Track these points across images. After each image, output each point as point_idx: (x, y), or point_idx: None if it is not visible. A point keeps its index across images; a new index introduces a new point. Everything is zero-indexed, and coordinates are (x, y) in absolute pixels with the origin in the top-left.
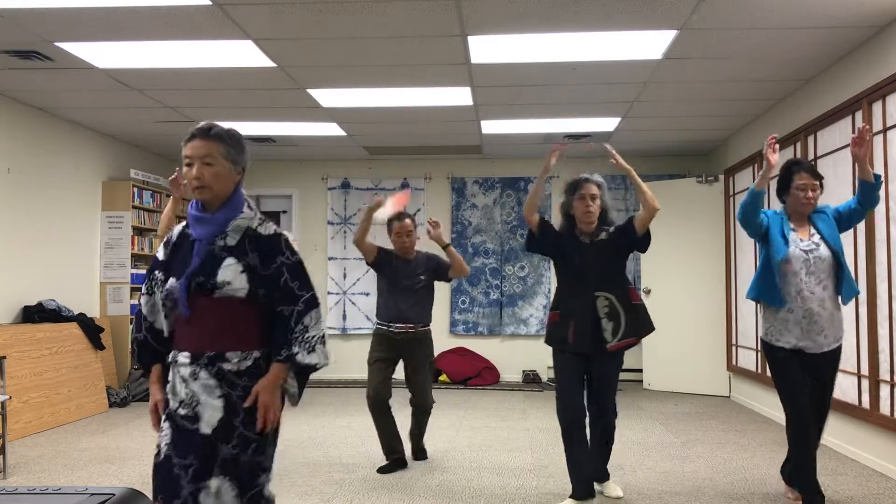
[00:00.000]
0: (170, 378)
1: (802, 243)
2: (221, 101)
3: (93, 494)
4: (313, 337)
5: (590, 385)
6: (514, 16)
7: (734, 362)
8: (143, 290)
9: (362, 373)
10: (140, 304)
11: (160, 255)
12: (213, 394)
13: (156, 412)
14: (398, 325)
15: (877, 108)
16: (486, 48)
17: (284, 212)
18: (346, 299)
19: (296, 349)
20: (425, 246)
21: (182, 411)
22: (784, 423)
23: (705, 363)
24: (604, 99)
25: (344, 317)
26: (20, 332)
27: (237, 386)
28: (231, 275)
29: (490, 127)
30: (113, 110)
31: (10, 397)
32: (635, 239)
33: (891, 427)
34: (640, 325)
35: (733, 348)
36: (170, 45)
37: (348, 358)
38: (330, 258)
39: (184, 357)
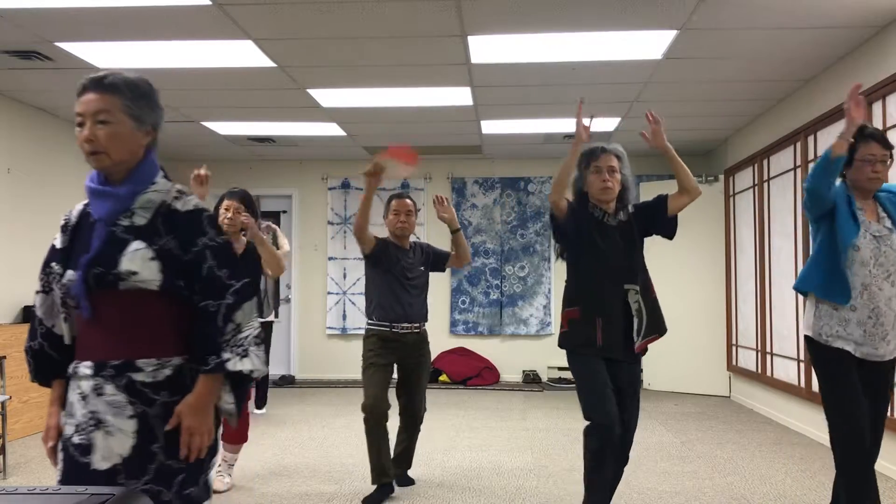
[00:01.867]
0: (69, 396)
1: (872, 227)
2: (221, 101)
3: (93, 494)
4: (246, 338)
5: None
6: (514, 16)
7: (734, 362)
8: (38, 286)
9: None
10: (35, 306)
11: (57, 242)
12: (123, 413)
13: (51, 441)
14: (404, 325)
15: (877, 108)
16: (486, 48)
17: (284, 212)
18: (346, 299)
19: (226, 355)
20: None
21: (76, 439)
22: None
23: (705, 363)
24: (604, 99)
25: (344, 317)
26: (20, 332)
27: (154, 402)
28: (138, 263)
29: (490, 127)
30: None
31: (10, 397)
32: (665, 220)
33: (890, 427)
34: (659, 320)
35: (733, 348)
36: (170, 45)
37: (348, 358)
38: (330, 258)
39: (85, 368)
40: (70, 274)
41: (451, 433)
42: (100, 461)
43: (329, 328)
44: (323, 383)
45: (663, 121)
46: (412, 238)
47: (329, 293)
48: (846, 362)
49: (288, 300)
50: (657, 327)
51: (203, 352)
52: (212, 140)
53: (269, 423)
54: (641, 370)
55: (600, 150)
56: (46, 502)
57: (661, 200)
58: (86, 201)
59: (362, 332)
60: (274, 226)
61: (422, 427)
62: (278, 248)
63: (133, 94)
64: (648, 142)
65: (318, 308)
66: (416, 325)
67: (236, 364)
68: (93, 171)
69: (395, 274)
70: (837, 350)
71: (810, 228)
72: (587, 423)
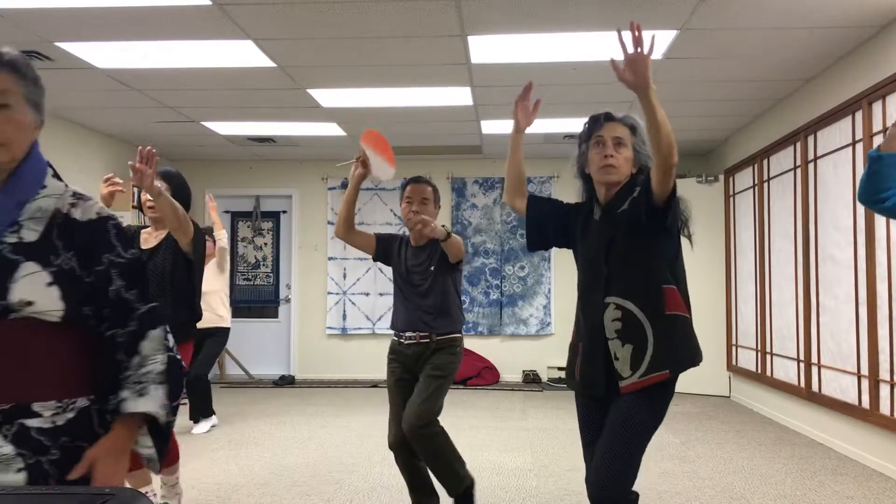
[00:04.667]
0: None
1: None
2: (221, 101)
3: (93, 494)
4: (148, 373)
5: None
6: (514, 16)
7: (734, 362)
8: None
9: (361, 373)
10: None
11: None
12: (10, 468)
13: None
14: (408, 334)
15: (877, 107)
16: (486, 48)
17: (284, 212)
18: (346, 299)
19: (125, 393)
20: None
21: None
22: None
23: (705, 363)
24: (604, 99)
25: (344, 317)
26: None
27: (49, 449)
28: (33, 290)
29: (490, 127)
30: (113, 110)
31: None
32: (652, 209)
33: (891, 427)
34: (675, 349)
35: (733, 348)
36: (170, 45)
37: (348, 358)
38: (330, 258)
39: None
40: None
41: (451, 433)
42: None
43: (329, 328)
44: (323, 383)
45: (651, 39)
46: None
47: (329, 293)
48: None
49: (288, 300)
50: (669, 359)
51: (106, 390)
52: (212, 140)
53: (270, 423)
54: (652, 410)
55: (605, 118)
56: (46, 502)
57: (648, 180)
58: None
59: (362, 332)
60: (212, 202)
61: (432, 447)
62: (216, 243)
63: (32, 77)
64: (620, 75)
65: (318, 308)
66: (424, 333)
67: (135, 405)
68: None
69: (400, 275)
70: None
71: None
72: None
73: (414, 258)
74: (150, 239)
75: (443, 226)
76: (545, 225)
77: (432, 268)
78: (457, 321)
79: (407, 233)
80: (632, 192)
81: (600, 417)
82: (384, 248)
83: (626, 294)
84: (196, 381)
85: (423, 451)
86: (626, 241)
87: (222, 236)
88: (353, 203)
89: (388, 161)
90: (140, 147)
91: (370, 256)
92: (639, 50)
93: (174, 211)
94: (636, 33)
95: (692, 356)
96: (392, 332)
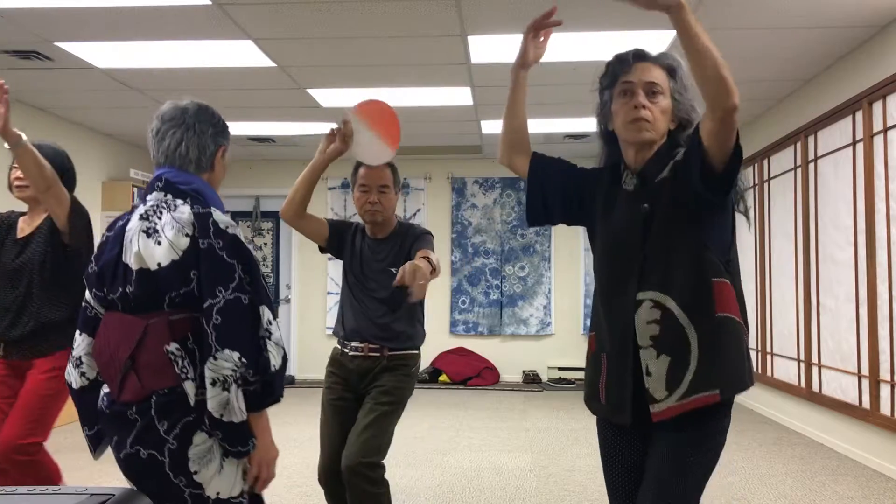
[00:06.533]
0: None
1: None
2: (221, 101)
3: (93, 494)
4: None
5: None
6: (514, 16)
7: None
8: None
9: None
10: None
11: None
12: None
13: None
14: (354, 343)
15: (877, 107)
16: (486, 48)
17: None
18: None
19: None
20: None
21: None
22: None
23: None
24: None
25: None
26: None
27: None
28: None
29: (490, 127)
30: (113, 110)
31: None
32: (708, 175)
33: (891, 427)
34: (727, 362)
35: None
36: (170, 45)
37: None
38: (330, 258)
39: None
40: None
41: (451, 433)
42: None
43: (329, 328)
44: (323, 383)
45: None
46: (399, 222)
47: (329, 293)
48: None
49: (288, 300)
50: (720, 377)
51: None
52: None
53: (270, 423)
54: (706, 440)
55: (634, 56)
56: (46, 502)
57: (696, 133)
58: None
59: None
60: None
61: (371, 499)
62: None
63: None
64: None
65: (317, 308)
66: (374, 345)
67: None
68: None
69: (352, 272)
70: None
71: None
72: None
73: (371, 253)
74: (25, 227)
75: (425, 257)
76: (552, 193)
77: (394, 269)
78: (416, 336)
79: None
80: (673, 154)
81: (629, 454)
82: (338, 238)
83: (667, 288)
84: None
85: (356, 498)
86: (667, 219)
87: None
88: (313, 183)
89: (389, 140)
90: None
91: (317, 246)
92: None
93: (40, 168)
94: None
95: (743, 374)
96: (335, 338)
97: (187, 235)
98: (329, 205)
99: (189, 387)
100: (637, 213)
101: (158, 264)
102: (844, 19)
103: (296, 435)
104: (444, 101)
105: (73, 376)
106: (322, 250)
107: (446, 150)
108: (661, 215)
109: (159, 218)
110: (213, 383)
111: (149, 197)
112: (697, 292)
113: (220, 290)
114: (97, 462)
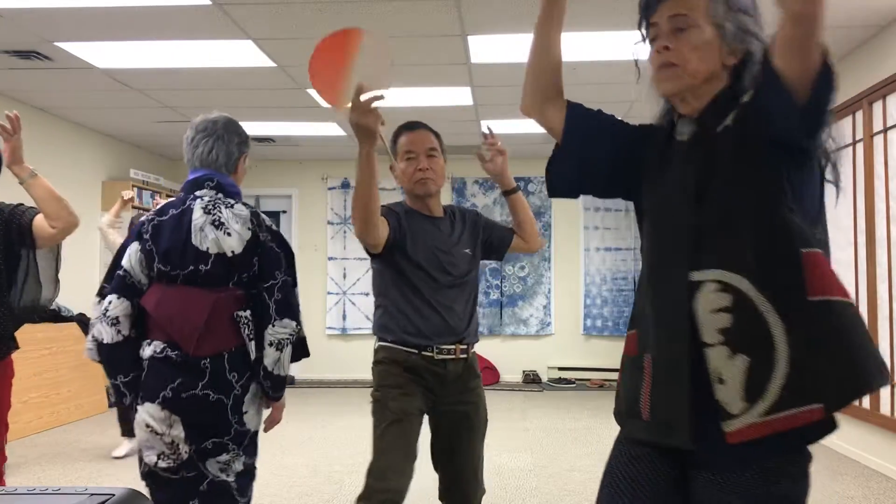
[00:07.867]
0: None
1: None
2: (221, 101)
3: (93, 494)
4: None
5: None
6: (514, 16)
7: None
8: None
9: (361, 373)
10: None
11: None
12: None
13: None
14: (443, 344)
15: (877, 107)
16: (486, 48)
17: (284, 212)
18: (346, 299)
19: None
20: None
21: None
22: None
23: None
24: (604, 99)
25: (344, 317)
26: (20, 332)
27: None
28: None
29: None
30: (113, 110)
31: None
32: (790, 111)
33: (891, 427)
34: (834, 362)
35: None
36: (170, 45)
37: (348, 358)
38: (330, 258)
39: None
40: None
41: None
42: None
43: (329, 328)
44: (323, 383)
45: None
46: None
47: (329, 293)
48: None
49: None
50: (824, 383)
51: None
52: None
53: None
54: (790, 488)
55: None
56: (46, 502)
57: (768, 68)
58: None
59: (362, 332)
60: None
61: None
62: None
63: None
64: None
65: (318, 308)
66: (462, 344)
67: None
68: None
69: (425, 259)
70: None
71: None
72: None
73: (437, 234)
74: None
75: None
76: (592, 155)
77: (467, 250)
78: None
79: (407, 201)
80: (737, 97)
81: (664, 487)
82: (398, 228)
83: (737, 265)
84: None
85: None
86: (734, 175)
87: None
88: (374, 177)
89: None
90: (7, 113)
91: (377, 251)
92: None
93: (56, 200)
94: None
95: (866, 370)
96: (396, 345)
97: (249, 229)
98: (329, 205)
99: (251, 346)
100: (688, 171)
101: (233, 252)
102: (844, 19)
103: (296, 435)
104: (444, 101)
105: (105, 333)
106: (375, 257)
107: (446, 150)
108: (722, 172)
109: (220, 212)
110: (271, 344)
111: (200, 192)
112: (783, 269)
113: (277, 272)
114: (97, 462)
